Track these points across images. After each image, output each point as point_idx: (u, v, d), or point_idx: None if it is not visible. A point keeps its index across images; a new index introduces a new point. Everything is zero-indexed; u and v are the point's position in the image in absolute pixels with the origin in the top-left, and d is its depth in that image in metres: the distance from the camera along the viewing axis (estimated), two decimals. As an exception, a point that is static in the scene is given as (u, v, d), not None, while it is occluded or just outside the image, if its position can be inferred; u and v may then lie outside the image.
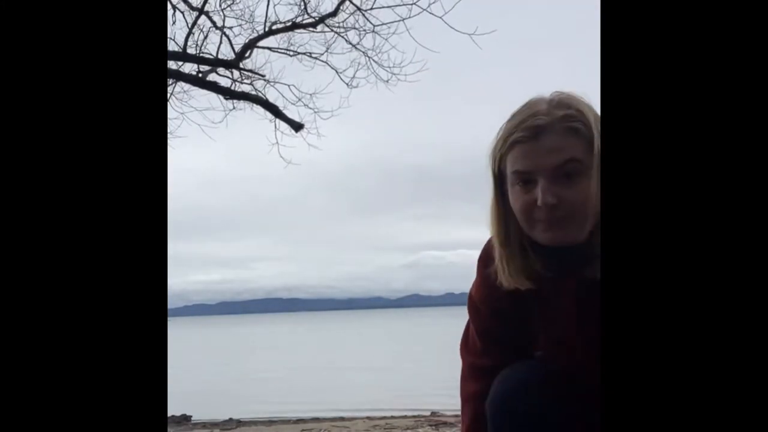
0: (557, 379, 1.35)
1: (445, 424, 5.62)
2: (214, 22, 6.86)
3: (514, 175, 1.27)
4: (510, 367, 1.41)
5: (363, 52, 6.75)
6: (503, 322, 1.43)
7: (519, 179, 1.27)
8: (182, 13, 6.72)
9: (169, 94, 6.64)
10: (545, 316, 1.37)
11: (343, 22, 6.74)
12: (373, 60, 6.75)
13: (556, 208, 1.23)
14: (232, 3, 6.81)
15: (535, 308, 1.37)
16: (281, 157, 7.11)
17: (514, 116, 1.29)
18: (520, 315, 1.39)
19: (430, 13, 6.18)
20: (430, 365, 16.04)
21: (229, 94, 6.87)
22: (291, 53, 7.01)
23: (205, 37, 6.82)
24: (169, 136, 5.66)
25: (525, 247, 1.32)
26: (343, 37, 6.78)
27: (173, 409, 6.84)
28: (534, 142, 1.24)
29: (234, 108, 7.01)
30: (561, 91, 1.29)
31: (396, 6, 6.36)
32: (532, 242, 1.31)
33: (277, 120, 7.01)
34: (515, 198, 1.28)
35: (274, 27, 6.85)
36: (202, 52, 6.84)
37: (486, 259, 1.42)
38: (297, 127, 6.99)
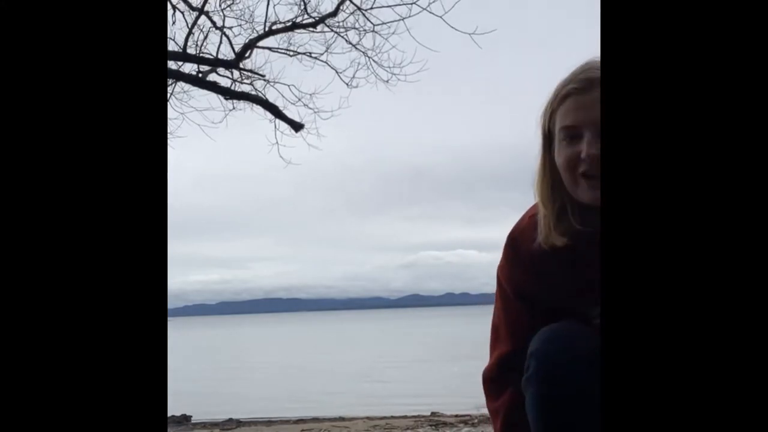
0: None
1: (445, 424, 5.62)
2: (214, 22, 6.86)
3: (561, 131, 1.28)
4: (556, 324, 1.36)
5: (363, 52, 6.75)
6: (537, 282, 1.40)
7: (566, 135, 1.27)
8: (182, 13, 6.72)
9: (169, 94, 6.64)
10: (581, 273, 1.34)
11: (343, 21, 6.74)
12: (373, 60, 6.75)
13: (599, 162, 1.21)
14: (232, 3, 6.81)
15: (571, 266, 1.35)
16: (281, 157, 7.11)
17: (569, 74, 1.30)
18: (558, 276, 1.37)
19: (430, 12, 6.18)
20: (430, 365, 16.04)
21: (229, 94, 6.87)
22: (291, 53, 7.00)
23: (205, 37, 6.82)
24: (169, 136, 5.66)
25: (566, 208, 1.32)
26: (343, 37, 6.78)
27: (173, 409, 6.84)
28: (585, 94, 1.25)
29: (234, 108, 7.01)
30: None
31: (396, 5, 6.36)
32: (573, 202, 1.30)
33: (277, 120, 7.01)
34: (560, 153, 1.29)
35: (274, 27, 6.84)
36: (202, 52, 6.84)
37: (516, 232, 1.42)
38: (297, 127, 6.99)
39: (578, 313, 1.38)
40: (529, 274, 1.40)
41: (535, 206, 1.41)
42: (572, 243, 1.31)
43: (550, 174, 1.32)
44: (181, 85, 6.86)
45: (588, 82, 1.25)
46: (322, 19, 6.74)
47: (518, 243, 1.42)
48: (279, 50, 7.00)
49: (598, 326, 1.33)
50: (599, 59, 1.24)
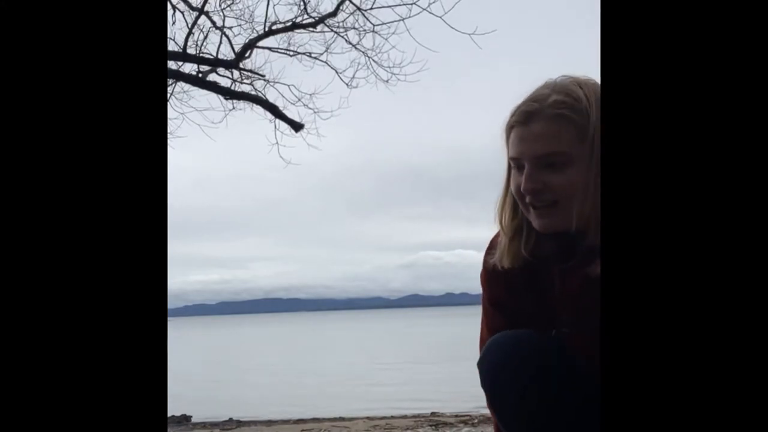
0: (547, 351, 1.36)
1: (445, 424, 5.62)
2: (214, 22, 6.86)
3: (510, 160, 1.32)
4: (506, 332, 1.42)
5: (363, 52, 6.76)
6: (511, 297, 1.45)
7: (514, 165, 1.31)
8: (182, 13, 6.72)
9: (169, 94, 6.64)
10: (536, 293, 1.39)
11: (343, 21, 6.74)
12: (373, 60, 6.75)
13: (541, 194, 1.26)
14: (232, 3, 6.82)
15: (526, 285, 1.40)
16: (281, 157, 7.12)
17: (518, 102, 1.32)
18: (526, 294, 1.41)
19: (430, 12, 6.18)
20: (430, 365, 16.04)
21: (229, 94, 6.87)
22: (291, 53, 7.01)
23: (205, 37, 6.83)
24: (169, 136, 5.66)
25: (522, 230, 1.36)
26: (343, 37, 6.78)
27: (173, 409, 6.83)
28: (524, 127, 1.28)
29: (234, 108, 7.01)
30: (569, 75, 1.30)
31: (396, 6, 6.36)
32: (530, 228, 1.34)
33: (277, 120, 7.01)
34: (512, 181, 1.33)
35: (274, 27, 6.85)
36: (202, 52, 6.84)
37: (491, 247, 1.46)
38: (297, 127, 7.00)
39: (545, 323, 1.41)
40: (501, 284, 1.45)
41: None
42: (520, 269, 1.36)
43: (512, 195, 1.35)
44: (181, 85, 6.86)
45: (526, 116, 1.27)
46: (322, 19, 6.74)
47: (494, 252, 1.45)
48: (279, 50, 7.01)
49: (563, 336, 1.38)
50: (547, 83, 1.30)
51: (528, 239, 1.35)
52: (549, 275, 1.36)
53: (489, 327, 1.51)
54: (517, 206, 1.35)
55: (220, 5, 6.80)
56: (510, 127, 1.31)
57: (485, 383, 1.40)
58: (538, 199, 1.27)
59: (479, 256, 1.52)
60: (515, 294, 1.42)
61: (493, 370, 1.38)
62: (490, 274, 1.46)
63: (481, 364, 1.42)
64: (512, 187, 1.32)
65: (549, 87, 1.29)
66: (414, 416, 6.78)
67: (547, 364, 1.34)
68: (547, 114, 1.25)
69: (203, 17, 6.73)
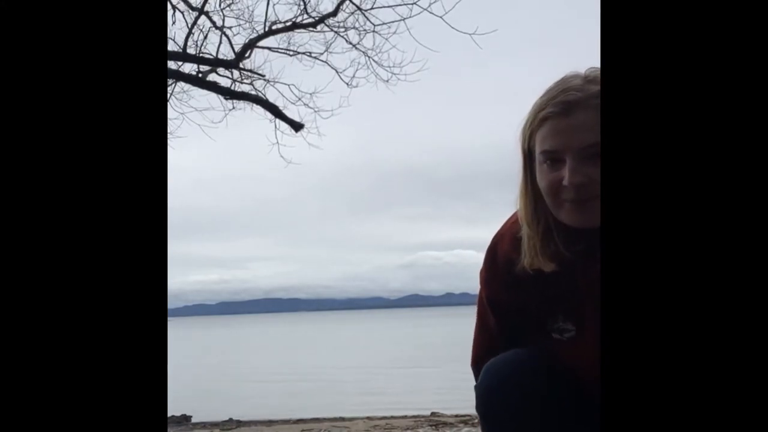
0: (549, 368, 1.35)
1: (445, 424, 5.62)
2: (213, 22, 6.87)
3: (542, 154, 1.24)
4: (501, 356, 1.40)
5: (363, 52, 6.77)
6: (514, 298, 1.41)
7: (547, 158, 1.23)
8: (182, 13, 6.73)
9: (169, 94, 6.64)
10: (563, 296, 1.33)
11: (343, 21, 6.75)
12: (373, 60, 6.76)
13: (584, 188, 1.19)
14: (232, 3, 6.82)
15: (552, 288, 1.33)
16: (281, 156, 7.13)
17: (547, 91, 1.25)
18: (533, 294, 1.36)
19: (431, 12, 6.19)
20: (430, 365, 16.04)
21: (229, 94, 6.87)
22: (291, 53, 7.02)
23: (205, 37, 6.83)
24: (169, 136, 5.66)
25: (550, 228, 1.28)
26: (343, 36, 6.79)
27: (173, 409, 6.83)
28: (564, 118, 1.20)
29: (234, 108, 7.02)
30: (597, 67, 1.23)
31: (396, 5, 6.37)
32: (558, 223, 1.27)
33: (277, 120, 7.02)
34: (542, 177, 1.25)
35: (273, 27, 6.86)
36: (202, 52, 6.85)
37: (494, 246, 1.42)
38: (297, 126, 7.00)
39: (541, 326, 1.39)
40: (502, 283, 1.40)
41: (516, 213, 1.38)
42: (558, 268, 1.29)
43: (533, 194, 1.29)
44: (181, 85, 6.87)
45: (566, 106, 1.20)
46: (322, 19, 6.75)
47: (497, 249, 1.41)
48: (279, 50, 7.02)
49: (556, 341, 1.36)
50: (575, 74, 1.24)
51: (558, 235, 1.28)
52: (560, 275, 1.30)
53: (483, 325, 1.49)
54: (538, 206, 1.28)
55: (220, 5, 6.82)
56: (543, 120, 1.23)
57: (481, 407, 1.39)
58: (582, 193, 1.19)
59: (479, 256, 1.50)
60: (515, 294, 1.39)
61: (489, 394, 1.37)
62: (491, 273, 1.43)
63: (478, 389, 1.40)
64: (544, 183, 1.25)
65: (580, 78, 1.23)
66: (414, 416, 6.77)
67: (544, 383, 1.32)
68: (591, 104, 1.18)
69: (203, 17, 6.74)
